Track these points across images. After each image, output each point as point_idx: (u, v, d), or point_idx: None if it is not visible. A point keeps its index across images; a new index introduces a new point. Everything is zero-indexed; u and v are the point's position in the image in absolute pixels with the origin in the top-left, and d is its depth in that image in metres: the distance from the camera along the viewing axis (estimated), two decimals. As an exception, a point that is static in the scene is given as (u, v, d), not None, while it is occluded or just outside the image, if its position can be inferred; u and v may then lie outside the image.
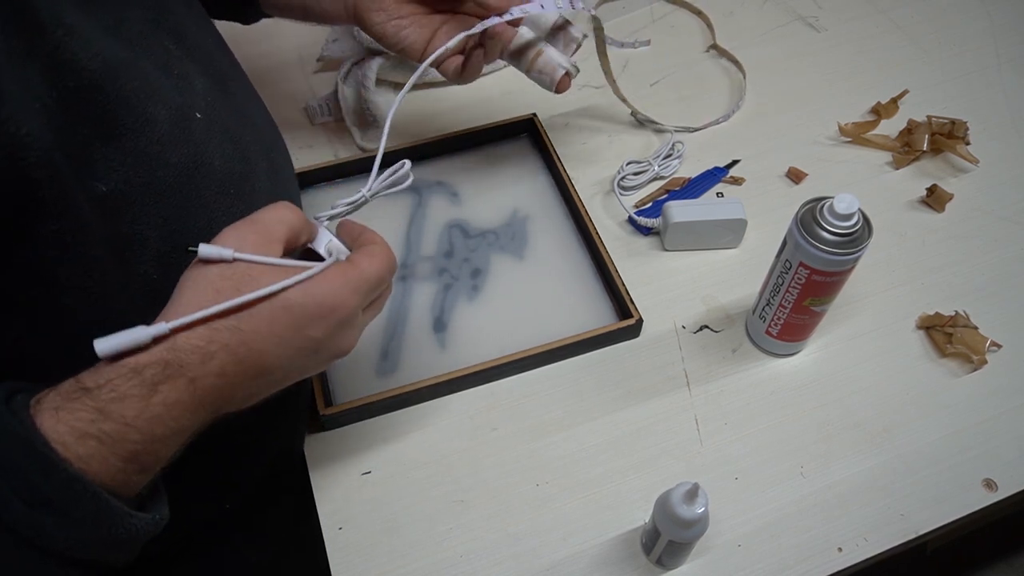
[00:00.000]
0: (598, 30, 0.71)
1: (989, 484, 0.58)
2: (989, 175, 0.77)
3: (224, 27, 0.94)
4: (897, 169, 0.78)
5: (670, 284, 0.70)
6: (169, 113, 0.44)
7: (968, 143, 0.77)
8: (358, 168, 0.77)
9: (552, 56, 0.64)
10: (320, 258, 0.45)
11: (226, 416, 0.41)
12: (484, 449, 0.60)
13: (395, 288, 0.69)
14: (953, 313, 0.66)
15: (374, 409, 0.61)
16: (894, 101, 0.82)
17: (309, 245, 0.46)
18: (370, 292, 0.44)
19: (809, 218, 0.54)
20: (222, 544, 0.63)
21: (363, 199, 0.50)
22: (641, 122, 0.82)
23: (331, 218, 0.49)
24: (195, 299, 0.39)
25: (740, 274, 0.70)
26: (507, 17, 0.60)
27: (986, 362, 0.64)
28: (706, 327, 0.67)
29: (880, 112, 0.82)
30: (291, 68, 0.89)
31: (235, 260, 0.40)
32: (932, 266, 0.70)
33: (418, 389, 0.61)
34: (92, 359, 0.37)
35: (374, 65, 0.84)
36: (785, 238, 0.57)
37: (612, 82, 0.78)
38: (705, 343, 0.66)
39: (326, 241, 0.46)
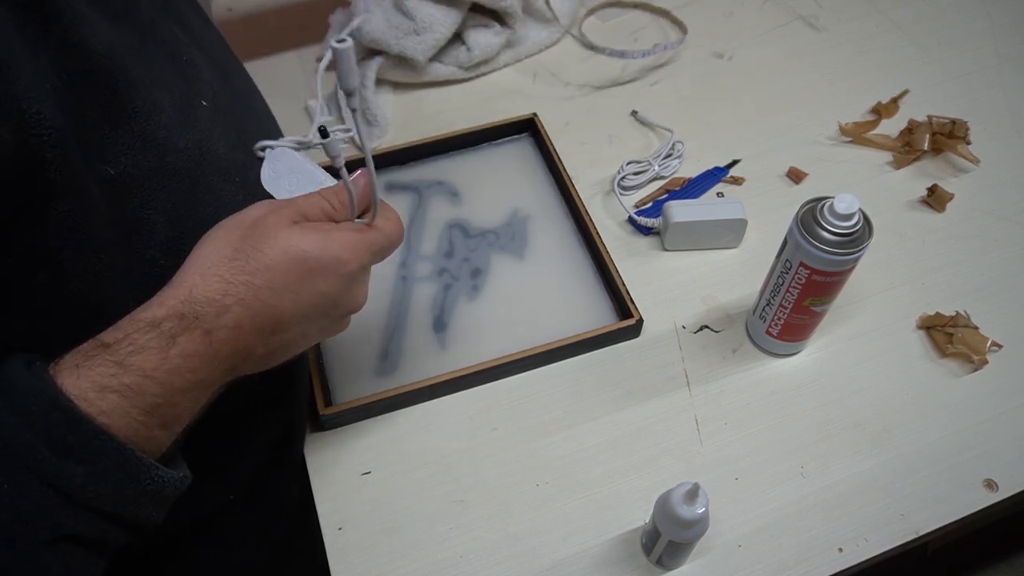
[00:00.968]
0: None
1: (989, 484, 0.58)
2: (990, 175, 0.77)
3: (224, 27, 0.94)
4: (897, 169, 0.78)
5: (670, 284, 0.70)
6: (175, 99, 0.45)
7: (969, 143, 0.77)
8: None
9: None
10: None
11: (243, 379, 0.42)
12: (484, 449, 0.60)
13: (395, 288, 0.69)
14: (954, 313, 0.66)
15: (374, 409, 0.61)
16: (894, 101, 0.82)
17: None
18: (381, 252, 0.45)
19: (809, 218, 0.54)
20: (222, 544, 0.63)
21: (310, 143, 0.50)
22: (642, 122, 0.82)
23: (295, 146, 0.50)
24: (215, 253, 0.40)
25: (740, 274, 0.70)
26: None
27: (987, 362, 0.64)
28: (706, 327, 0.67)
29: (880, 112, 0.82)
30: (291, 68, 0.89)
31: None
32: (932, 266, 0.70)
33: (418, 389, 0.61)
34: (86, 337, 0.38)
35: (374, 65, 0.84)
36: (785, 238, 0.57)
37: None
38: (705, 343, 0.66)
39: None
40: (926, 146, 0.77)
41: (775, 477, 0.59)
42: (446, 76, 0.86)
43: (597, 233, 0.70)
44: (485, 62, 0.87)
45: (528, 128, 0.81)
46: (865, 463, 0.59)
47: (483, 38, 0.85)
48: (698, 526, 0.49)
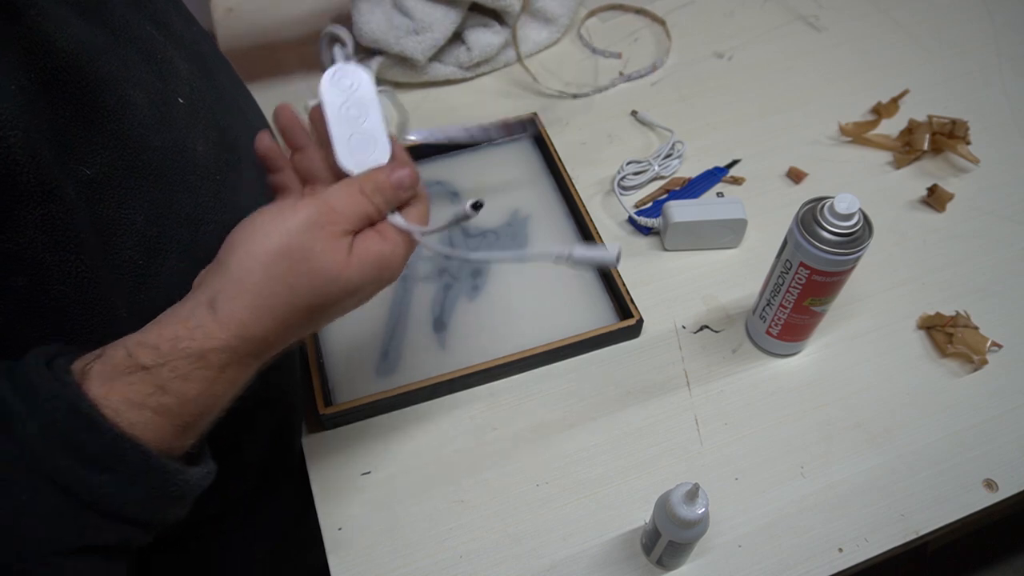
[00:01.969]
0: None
1: (990, 484, 0.58)
2: (990, 175, 0.77)
3: (224, 27, 0.94)
4: (898, 169, 0.78)
5: (670, 284, 0.70)
6: (150, 97, 0.44)
7: (969, 143, 0.77)
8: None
9: None
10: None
11: None
12: (484, 449, 0.60)
13: (395, 288, 0.69)
14: (954, 313, 0.66)
15: (374, 409, 0.61)
16: (895, 101, 0.82)
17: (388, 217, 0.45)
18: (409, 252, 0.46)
19: (809, 218, 0.54)
20: (221, 544, 0.63)
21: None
22: (642, 122, 0.82)
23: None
24: (268, 289, 0.39)
25: (740, 274, 0.70)
26: None
27: (987, 362, 0.64)
28: (706, 327, 0.67)
29: (881, 112, 0.82)
30: (291, 68, 0.89)
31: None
32: (933, 266, 0.70)
33: (418, 389, 0.61)
34: (84, 346, 0.38)
35: (374, 65, 0.84)
36: (785, 238, 0.57)
37: None
38: (705, 343, 0.66)
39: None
40: (926, 146, 0.77)
41: (775, 477, 0.59)
42: (446, 76, 0.86)
43: (597, 233, 0.70)
44: (485, 62, 0.87)
45: (528, 128, 0.81)
46: (865, 463, 0.59)
47: (483, 38, 0.85)
48: (698, 526, 0.49)
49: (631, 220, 0.73)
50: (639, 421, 0.62)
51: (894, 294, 0.69)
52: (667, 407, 0.62)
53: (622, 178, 0.76)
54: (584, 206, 0.72)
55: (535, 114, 0.80)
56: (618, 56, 0.87)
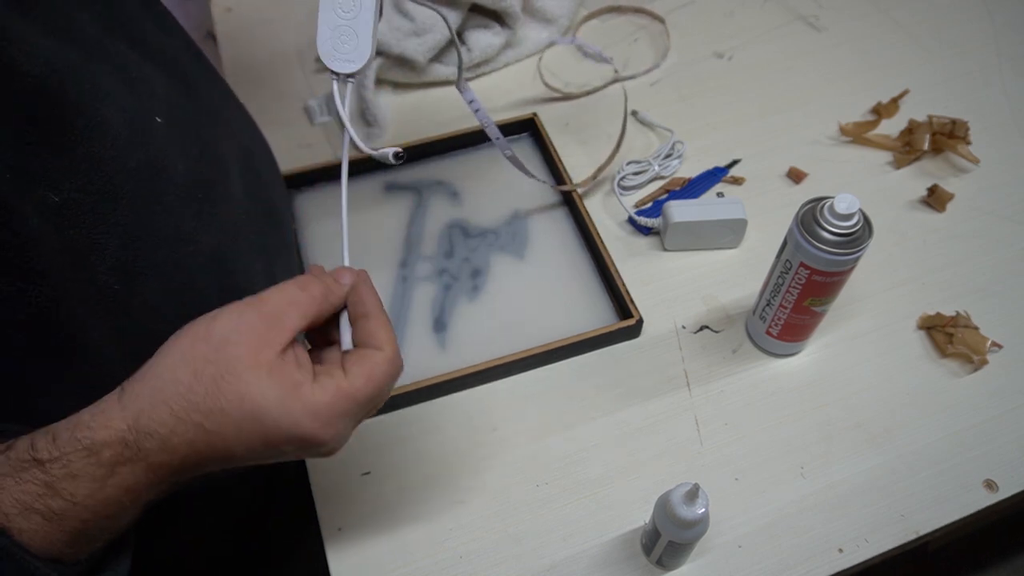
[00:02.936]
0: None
1: (990, 484, 0.58)
2: (990, 175, 0.77)
3: (224, 27, 0.94)
4: (898, 169, 0.78)
5: (670, 284, 0.70)
6: (124, 116, 0.42)
7: (969, 143, 0.77)
8: (357, 168, 0.77)
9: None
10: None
11: None
12: (484, 449, 0.60)
13: (395, 288, 0.69)
14: (954, 313, 0.66)
15: (374, 409, 0.61)
16: (895, 101, 0.82)
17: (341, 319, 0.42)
18: (359, 414, 0.39)
19: (809, 218, 0.54)
20: (220, 544, 0.63)
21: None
22: (642, 122, 0.82)
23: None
24: (171, 374, 0.36)
25: (740, 274, 0.70)
26: None
27: (987, 362, 0.64)
28: (706, 327, 0.67)
29: (881, 112, 0.82)
30: (291, 68, 0.89)
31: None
32: (933, 266, 0.70)
33: (418, 389, 0.61)
34: (52, 376, 0.36)
35: (374, 65, 0.84)
36: (785, 238, 0.57)
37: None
38: (705, 343, 0.66)
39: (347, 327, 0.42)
40: (926, 146, 0.77)
41: (775, 477, 0.58)
42: (446, 76, 0.86)
43: (597, 233, 0.70)
44: (485, 62, 0.87)
45: (528, 128, 0.81)
46: (865, 463, 0.59)
47: (483, 39, 0.85)
48: (698, 526, 0.49)
49: (631, 220, 0.73)
50: (639, 421, 0.62)
51: (894, 294, 0.69)
52: (667, 407, 0.62)
53: (622, 178, 0.76)
54: (584, 206, 0.72)
55: (535, 114, 0.80)
56: (609, 61, 0.87)
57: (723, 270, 0.70)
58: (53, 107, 0.38)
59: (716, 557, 0.55)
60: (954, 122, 0.77)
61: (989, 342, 0.64)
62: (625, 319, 0.65)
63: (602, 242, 0.70)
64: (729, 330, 0.67)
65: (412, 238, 0.73)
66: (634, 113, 0.83)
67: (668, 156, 0.78)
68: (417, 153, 0.78)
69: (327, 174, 0.77)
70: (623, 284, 0.67)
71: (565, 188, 0.74)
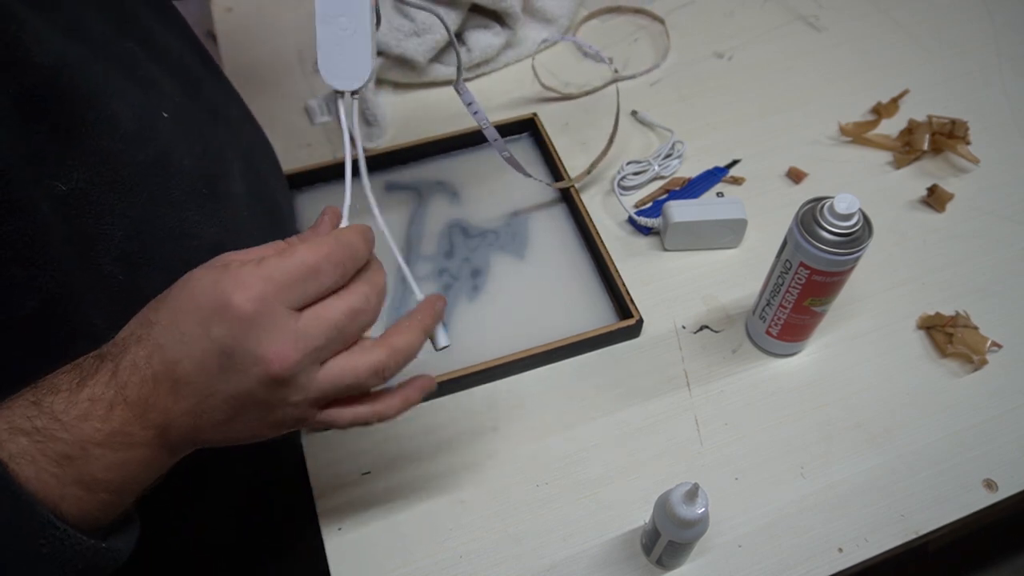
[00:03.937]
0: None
1: (990, 484, 0.58)
2: (990, 175, 0.77)
3: (224, 27, 0.94)
4: (897, 169, 0.78)
5: (670, 284, 0.70)
6: (133, 111, 0.43)
7: (969, 143, 0.77)
8: (357, 168, 0.77)
9: None
10: None
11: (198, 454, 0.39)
12: (484, 449, 0.60)
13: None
14: (954, 313, 0.66)
15: (374, 409, 0.61)
16: (895, 101, 0.82)
17: None
18: (291, 286, 0.36)
19: (809, 218, 0.54)
20: (220, 544, 0.63)
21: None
22: (642, 122, 0.82)
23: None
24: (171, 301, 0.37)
25: (740, 274, 0.70)
26: None
27: (987, 362, 0.64)
28: (706, 327, 0.67)
29: (881, 112, 0.82)
30: (291, 68, 0.89)
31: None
32: (933, 266, 0.70)
33: (418, 389, 0.61)
34: (58, 365, 0.36)
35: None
36: (785, 238, 0.57)
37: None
38: (705, 343, 0.66)
39: None
40: (926, 146, 0.77)
41: (775, 477, 0.59)
42: (446, 76, 0.86)
43: (597, 233, 0.70)
44: (485, 62, 0.87)
45: (528, 128, 0.81)
46: (865, 463, 0.59)
47: (483, 39, 0.85)
48: (698, 526, 0.49)
49: (631, 220, 0.73)
50: (639, 421, 0.62)
51: (894, 294, 0.69)
52: (667, 407, 0.62)
53: (622, 178, 0.76)
54: (584, 206, 0.72)
55: (535, 114, 0.80)
56: (609, 61, 0.87)
57: (723, 270, 0.70)
58: (64, 99, 0.38)
59: (716, 557, 0.55)
60: (954, 122, 0.77)
61: (989, 342, 0.64)
62: (625, 319, 0.65)
63: (602, 242, 0.70)
64: (729, 330, 0.67)
65: (412, 238, 0.73)
66: (634, 113, 0.83)
67: (668, 156, 0.78)
68: (417, 153, 0.78)
69: (327, 174, 0.77)
70: (623, 284, 0.67)
71: (562, 185, 0.74)
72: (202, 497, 0.57)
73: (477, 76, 0.88)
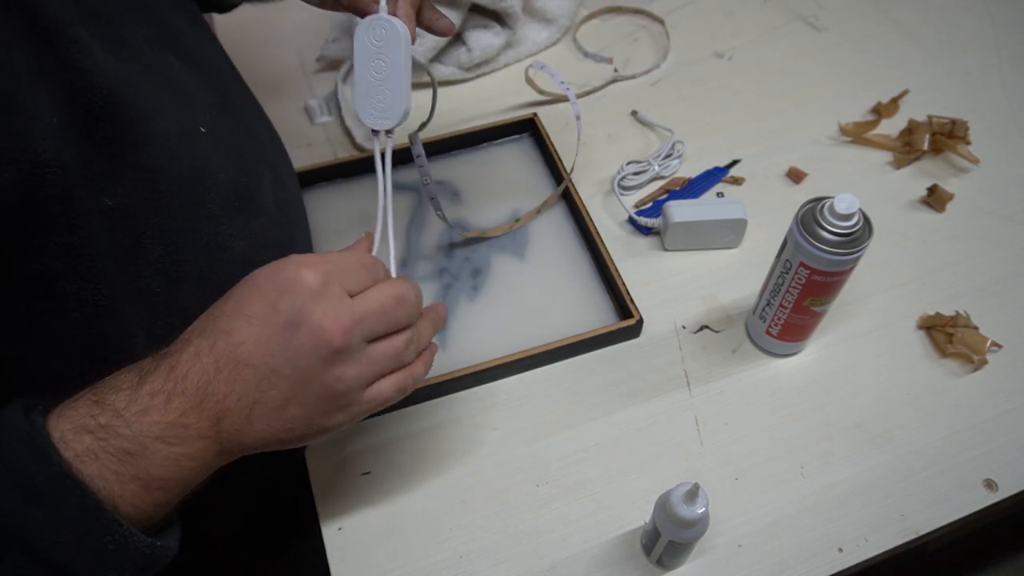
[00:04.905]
0: None
1: (990, 484, 0.58)
2: (990, 175, 0.77)
3: (224, 27, 0.94)
4: (898, 169, 0.78)
5: (670, 284, 0.70)
6: (173, 128, 0.44)
7: (969, 143, 0.77)
8: (357, 168, 0.77)
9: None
10: None
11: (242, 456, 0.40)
12: (484, 449, 0.60)
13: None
14: (954, 313, 0.66)
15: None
16: (895, 101, 0.82)
17: None
18: (347, 271, 0.40)
19: (809, 218, 0.54)
20: (220, 544, 0.63)
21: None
22: (642, 122, 0.82)
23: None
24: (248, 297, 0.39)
25: (740, 274, 0.70)
26: None
27: (987, 362, 0.64)
28: (706, 327, 0.67)
29: (881, 112, 0.82)
30: (291, 68, 0.89)
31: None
32: (933, 266, 0.70)
33: (418, 388, 0.61)
34: (100, 375, 0.37)
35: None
36: (785, 238, 0.57)
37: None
38: (705, 343, 0.66)
39: None
40: (926, 146, 0.77)
41: (775, 477, 0.58)
42: (446, 76, 0.86)
43: (597, 233, 0.70)
44: (485, 62, 0.87)
45: (528, 128, 0.81)
46: (865, 463, 0.59)
47: (483, 39, 0.85)
48: (698, 526, 0.49)
49: (631, 220, 0.73)
50: (639, 421, 0.62)
51: (894, 294, 0.69)
52: (667, 407, 0.62)
53: (622, 178, 0.76)
54: (584, 206, 0.72)
55: (535, 114, 0.80)
56: (609, 61, 0.87)
57: (723, 270, 0.70)
58: (116, 118, 0.40)
59: (716, 557, 0.55)
60: (954, 122, 0.77)
61: (989, 342, 0.64)
62: (625, 319, 0.65)
63: (602, 242, 0.70)
64: (729, 330, 0.67)
65: (412, 238, 0.73)
66: (634, 113, 0.83)
67: (668, 156, 0.78)
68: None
69: (327, 174, 0.77)
70: (623, 284, 0.67)
71: (473, 234, 0.72)
72: (203, 497, 0.57)
73: (477, 76, 0.88)
